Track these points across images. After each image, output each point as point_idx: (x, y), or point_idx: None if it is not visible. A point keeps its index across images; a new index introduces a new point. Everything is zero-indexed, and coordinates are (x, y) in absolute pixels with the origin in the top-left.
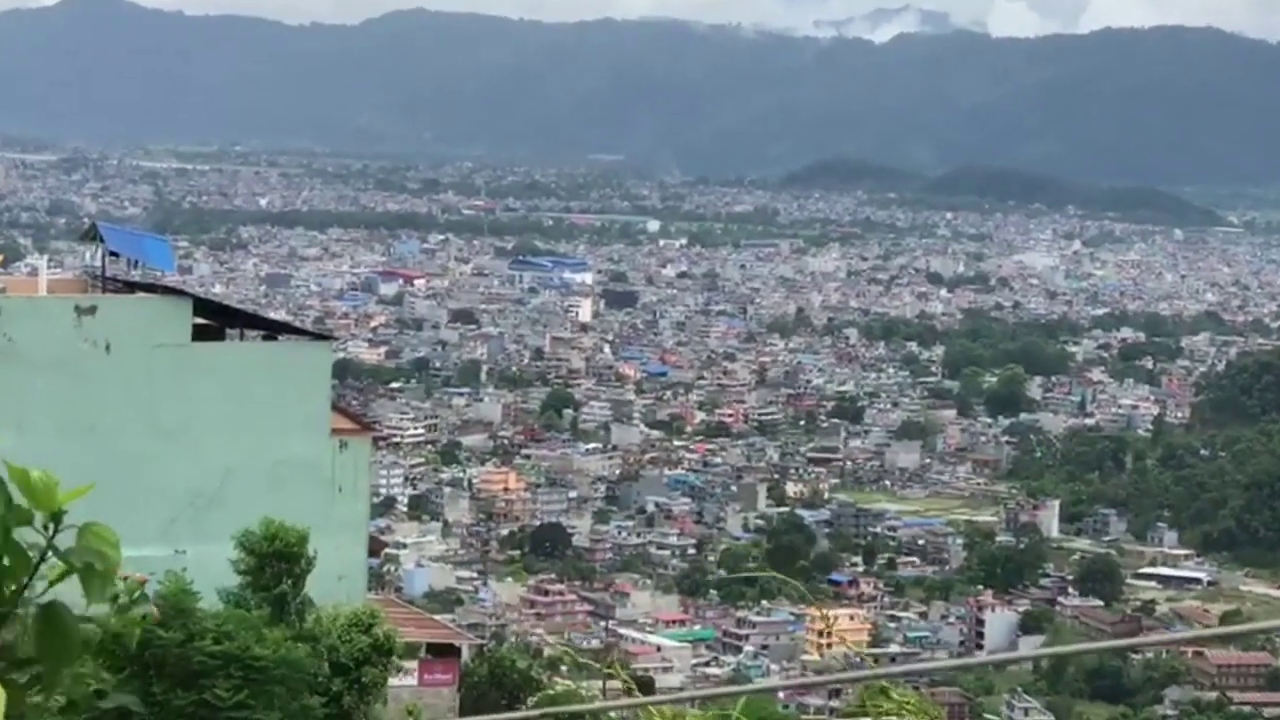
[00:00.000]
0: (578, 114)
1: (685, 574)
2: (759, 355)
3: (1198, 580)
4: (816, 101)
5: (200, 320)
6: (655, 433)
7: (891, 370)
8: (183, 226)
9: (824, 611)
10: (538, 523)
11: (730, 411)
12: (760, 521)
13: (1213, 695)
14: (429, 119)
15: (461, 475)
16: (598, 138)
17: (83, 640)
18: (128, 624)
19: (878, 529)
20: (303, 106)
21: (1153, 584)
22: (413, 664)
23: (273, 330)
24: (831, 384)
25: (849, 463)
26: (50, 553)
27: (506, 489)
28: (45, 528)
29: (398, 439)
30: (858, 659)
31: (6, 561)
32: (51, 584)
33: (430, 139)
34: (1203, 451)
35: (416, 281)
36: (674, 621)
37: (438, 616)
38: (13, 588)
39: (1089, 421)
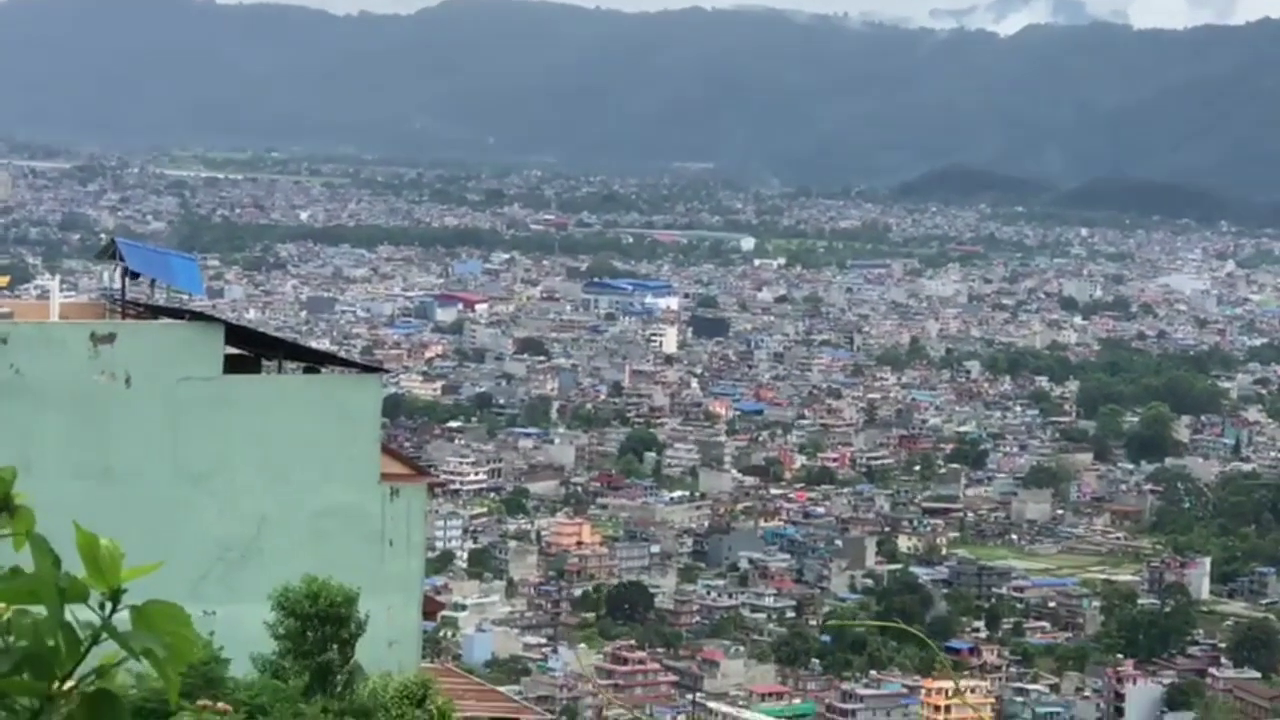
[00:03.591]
0: (662, 116)
1: (783, 640)
2: (867, 391)
3: None
4: (933, 103)
5: (233, 350)
6: (749, 479)
7: (1018, 409)
8: (213, 243)
9: (953, 676)
10: (615, 581)
11: (835, 455)
12: (868, 580)
13: None
14: (492, 122)
15: (529, 527)
16: (684, 144)
17: None
18: None
19: (1002, 589)
20: (349, 108)
21: None
22: None
23: (315, 361)
24: (950, 424)
25: (970, 514)
26: (105, 634)
27: (580, 543)
28: (101, 606)
29: (456, 486)
30: None
31: (55, 644)
32: (102, 672)
33: (494, 145)
34: None
35: (478, 306)
36: (770, 694)
37: (501, 688)
38: (60, 675)
39: (1245, 467)
